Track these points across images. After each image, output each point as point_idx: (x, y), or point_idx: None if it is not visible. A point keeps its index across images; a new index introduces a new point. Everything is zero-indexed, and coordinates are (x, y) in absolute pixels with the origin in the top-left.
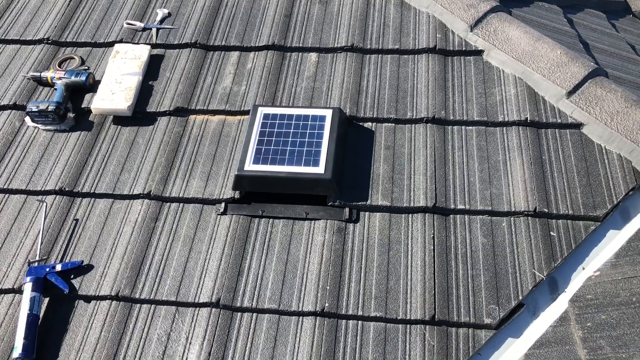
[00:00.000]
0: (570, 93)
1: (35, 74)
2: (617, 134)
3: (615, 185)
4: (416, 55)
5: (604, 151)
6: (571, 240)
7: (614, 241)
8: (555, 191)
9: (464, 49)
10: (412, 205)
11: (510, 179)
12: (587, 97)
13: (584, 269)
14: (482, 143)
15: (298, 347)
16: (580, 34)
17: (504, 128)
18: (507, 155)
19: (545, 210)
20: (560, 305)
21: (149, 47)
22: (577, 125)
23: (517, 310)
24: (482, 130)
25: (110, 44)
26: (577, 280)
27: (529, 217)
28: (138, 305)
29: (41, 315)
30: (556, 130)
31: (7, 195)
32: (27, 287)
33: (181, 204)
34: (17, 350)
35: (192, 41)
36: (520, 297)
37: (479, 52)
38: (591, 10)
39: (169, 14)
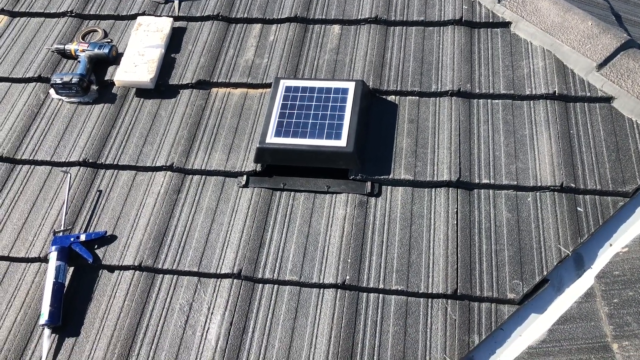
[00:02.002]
0: (600, 65)
1: (59, 46)
2: None
3: None
4: (442, 27)
5: (634, 125)
6: (598, 216)
7: None
8: (583, 166)
9: (491, 20)
10: (435, 179)
11: (537, 154)
12: (619, 69)
13: (611, 245)
14: (508, 117)
15: (319, 319)
16: (612, 5)
17: (531, 102)
18: (533, 130)
19: (572, 185)
20: (585, 281)
21: (171, 19)
22: (607, 99)
23: (541, 285)
24: (509, 103)
25: (133, 17)
26: (604, 257)
27: (555, 192)
28: (161, 275)
29: (66, 283)
30: (585, 104)
31: (32, 166)
32: (53, 256)
33: (203, 177)
34: (44, 317)
35: (215, 13)
36: (545, 273)
37: (506, 24)
38: None
39: None
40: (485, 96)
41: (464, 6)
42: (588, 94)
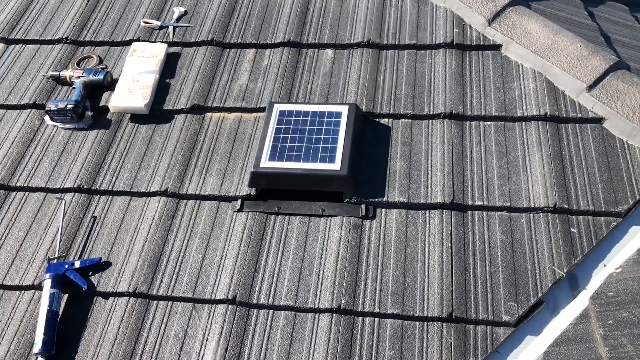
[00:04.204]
0: (590, 87)
1: (54, 73)
2: None
3: (638, 180)
4: (433, 51)
5: (625, 146)
6: (592, 237)
7: (637, 237)
8: (575, 187)
9: (481, 43)
10: (429, 201)
11: (530, 175)
12: (608, 90)
13: (605, 265)
14: (500, 138)
15: (314, 344)
16: (601, 27)
17: (523, 123)
18: (526, 151)
19: (566, 206)
20: (580, 302)
21: (165, 45)
22: (598, 120)
23: (536, 307)
24: (501, 125)
25: (128, 43)
26: (598, 278)
27: (549, 213)
28: (155, 301)
29: (60, 311)
30: (576, 124)
31: (27, 193)
32: (47, 284)
33: (198, 201)
34: (37, 346)
35: (209, 39)
36: (540, 294)
37: (497, 47)
38: (613, 3)
39: (186, 12)
40: (478, 118)
41: (454, 29)
42: (579, 115)
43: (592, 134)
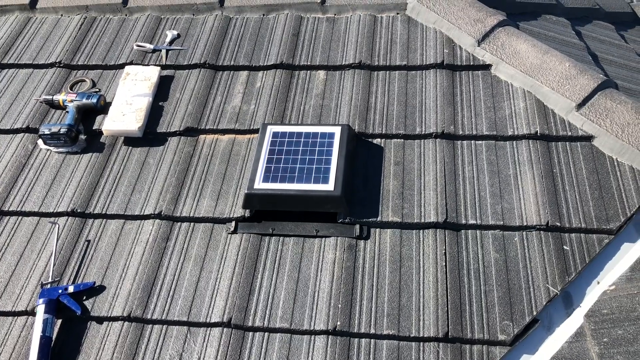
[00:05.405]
0: (579, 105)
1: (47, 97)
2: (629, 145)
3: (628, 197)
4: (424, 71)
5: (615, 163)
6: (585, 254)
7: (629, 254)
8: (567, 204)
9: (471, 63)
10: (423, 221)
11: (522, 193)
12: (597, 109)
13: (598, 283)
14: (492, 157)
15: None
16: (588, 45)
17: (514, 142)
18: (517, 169)
19: (558, 224)
20: (575, 320)
21: (158, 68)
22: (588, 138)
23: (531, 326)
24: (492, 144)
25: (121, 66)
26: (592, 295)
27: (542, 231)
28: (150, 325)
29: (54, 337)
30: (566, 143)
31: (20, 217)
32: (40, 309)
33: (192, 224)
34: None
35: (201, 61)
36: (535, 313)
37: (487, 67)
38: (600, 22)
39: (178, 35)
40: (469, 137)
41: (445, 50)
42: (569, 134)
43: (582, 152)
